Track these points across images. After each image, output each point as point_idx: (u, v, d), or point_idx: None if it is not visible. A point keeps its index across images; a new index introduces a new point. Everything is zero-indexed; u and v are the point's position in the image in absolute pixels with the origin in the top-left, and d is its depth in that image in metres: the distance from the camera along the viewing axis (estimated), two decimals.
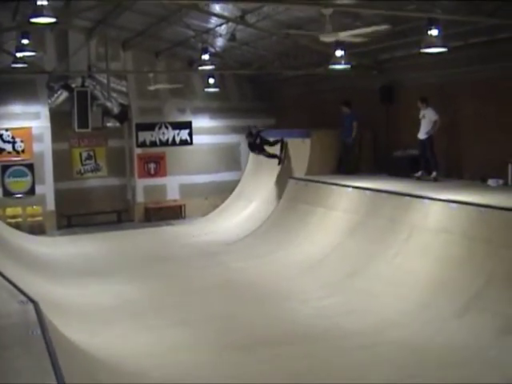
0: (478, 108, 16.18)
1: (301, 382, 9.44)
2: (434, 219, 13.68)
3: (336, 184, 17.69)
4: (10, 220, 21.90)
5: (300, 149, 20.57)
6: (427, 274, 12.61)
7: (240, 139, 25.44)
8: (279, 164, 20.33)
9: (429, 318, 11.42)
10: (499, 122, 15.49)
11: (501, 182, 15.24)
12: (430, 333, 10.89)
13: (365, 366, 9.99)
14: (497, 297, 10.99)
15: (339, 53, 15.83)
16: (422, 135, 16.81)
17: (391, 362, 10.08)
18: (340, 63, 16.19)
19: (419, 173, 17.04)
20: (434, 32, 12.95)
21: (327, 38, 14.15)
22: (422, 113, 16.83)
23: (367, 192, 16.29)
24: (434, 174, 16.68)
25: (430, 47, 13.50)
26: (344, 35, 13.86)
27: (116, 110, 24.18)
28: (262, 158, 22.90)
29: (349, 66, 16.55)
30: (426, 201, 14.18)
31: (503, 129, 15.34)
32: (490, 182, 15.36)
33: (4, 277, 9.87)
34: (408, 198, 14.79)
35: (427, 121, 16.67)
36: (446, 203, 13.62)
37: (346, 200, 16.95)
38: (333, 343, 11.00)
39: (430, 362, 9.89)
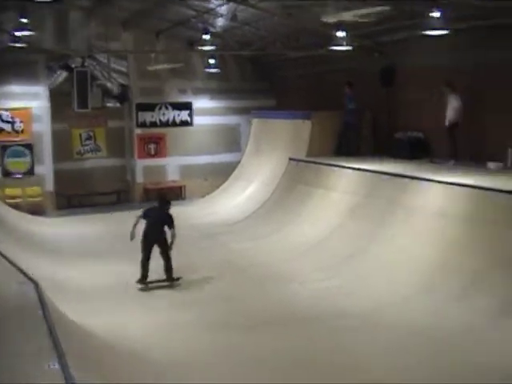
0: (478, 92, 16.12)
1: (298, 363, 9.48)
2: (433, 201, 13.67)
3: (336, 165, 17.68)
4: (9, 200, 21.85)
5: (300, 130, 20.53)
6: (426, 257, 12.63)
7: (240, 120, 25.46)
8: None
9: (427, 300, 11.45)
10: (498, 105, 15.44)
11: (501, 165, 15.20)
12: (428, 315, 10.92)
13: (361, 348, 10.05)
14: (495, 280, 11.01)
15: (341, 34, 15.81)
16: (446, 122, 16.31)
17: (388, 344, 10.13)
18: (341, 45, 16.17)
19: (452, 161, 16.22)
20: (436, 14, 12.92)
21: (329, 19, 14.10)
22: (448, 98, 16.26)
23: (367, 174, 16.28)
24: (452, 162, 16.17)
25: (431, 29, 13.47)
26: (346, 16, 13.80)
27: (116, 90, 24.10)
28: (261, 139, 22.94)
29: (350, 48, 16.51)
30: (426, 183, 14.18)
31: (502, 113, 15.30)
32: (490, 164, 15.32)
33: (4, 257, 9.88)
34: (408, 179, 14.78)
35: (451, 107, 16.18)
36: (445, 185, 13.61)
37: (345, 181, 16.95)
38: (330, 325, 11.07)
39: (428, 345, 9.92)
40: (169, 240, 13.46)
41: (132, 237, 13.38)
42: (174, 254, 13.54)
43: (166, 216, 13.59)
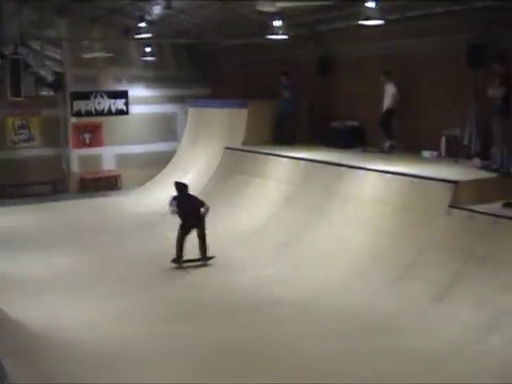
0: (412, 81, 16.37)
1: (226, 351, 9.54)
2: (368, 189, 13.89)
3: (272, 154, 17.77)
4: None
5: (236, 119, 20.55)
6: (361, 244, 12.83)
7: (176, 109, 25.34)
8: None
9: (363, 286, 11.65)
10: (432, 95, 15.71)
11: (435, 153, 15.47)
12: (363, 301, 11.12)
13: (298, 335, 10.16)
14: (428, 265, 11.25)
15: (277, 23, 15.85)
16: (383, 108, 16.54)
17: (324, 331, 10.27)
18: (278, 33, 16.22)
19: (387, 143, 16.57)
20: (372, 4, 13.10)
21: (265, 7, 14.12)
22: (385, 87, 16.52)
23: (302, 162, 16.40)
24: (387, 143, 16.51)
25: (367, 19, 13.64)
26: (281, 4, 13.85)
27: (50, 78, 23.66)
28: (198, 128, 22.92)
29: (286, 37, 16.56)
30: (361, 171, 14.37)
31: (436, 102, 15.57)
32: (425, 153, 15.59)
33: None
34: (343, 168, 14.95)
35: (388, 94, 16.43)
36: (380, 173, 13.81)
37: (281, 170, 17.05)
38: (268, 312, 11.15)
39: (363, 330, 10.10)
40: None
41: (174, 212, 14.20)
42: (108, 244, 13.48)
43: (194, 198, 14.56)
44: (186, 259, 14.08)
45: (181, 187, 14.84)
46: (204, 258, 14.26)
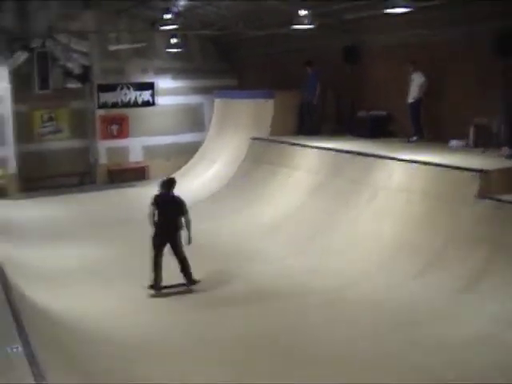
0: (439, 70, 16.26)
1: (264, 341, 9.58)
2: (395, 179, 13.83)
3: (299, 144, 17.74)
4: None
5: (263, 110, 20.56)
6: (389, 234, 12.79)
7: (203, 100, 25.40)
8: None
9: (389, 277, 11.62)
10: (460, 84, 15.60)
11: (462, 143, 15.38)
12: (391, 291, 11.09)
13: (325, 325, 10.16)
14: (456, 255, 11.21)
15: (303, 12, 15.78)
16: (409, 99, 16.50)
17: (350, 320, 10.27)
18: (303, 23, 16.15)
19: (414, 138, 16.52)
20: None
21: None
22: (411, 76, 16.46)
23: (330, 152, 16.36)
24: (414, 138, 16.44)
25: (394, 7, 13.53)
26: None
27: (77, 70, 23.88)
28: (224, 118, 22.94)
29: (312, 26, 16.49)
30: (388, 161, 14.32)
31: (464, 92, 15.46)
32: (452, 142, 15.49)
33: None
34: (370, 158, 14.91)
35: (415, 84, 16.35)
36: (407, 163, 13.76)
37: (308, 160, 17.02)
38: (295, 302, 11.17)
39: (391, 320, 10.08)
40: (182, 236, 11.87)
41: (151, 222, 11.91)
42: (136, 235, 13.39)
43: (178, 203, 11.83)
44: (166, 285, 11.84)
45: (166, 185, 12.25)
46: (188, 283, 11.96)
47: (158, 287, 11.72)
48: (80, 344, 9.00)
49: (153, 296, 11.65)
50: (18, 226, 17.62)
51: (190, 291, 11.84)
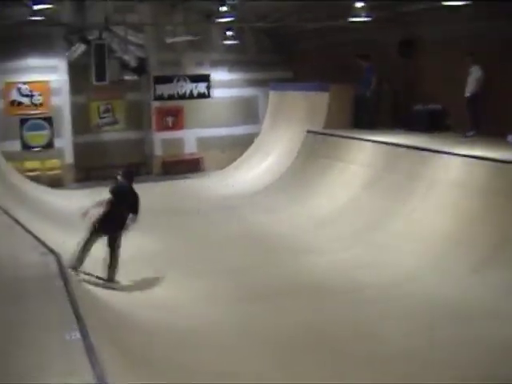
0: (498, 64, 15.99)
1: (316, 334, 9.56)
2: (451, 174, 13.67)
3: (354, 138, 17.64)
4: (28, 173, 21.99)
5: (318, 102, 20.48)
6: (444, 229, 12.64)
7: (258, 92, 25.42)
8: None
9: (445, 272, 11.49)
10: None
11: None
12: (445, 287, 10.97)
13: (378, 319, 10.10)
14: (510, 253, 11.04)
15: (359, 4, 15.67)
16: (467, 93, 16.21)
17: (405, 315, 10.18)
18: (360, 15, 16.03)
19: (471, 133, 16.21)
20: None
21: None
22: (470, 69, 16.15)
23: (385, 146, 16.24)
24: (471, 133, 16.15)
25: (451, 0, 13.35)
26: None
27: (134, 62, 24.10)
28: (279, 111, 22.91)
29: (369, 19, 16.36)
30: (444, 155, 14.15)
31: None
32: (510, 137, 15.21)
33: (25, 229, 9.98)
34: (426, 152, 14.75)
35: (472, 78, 16.08)
36: (463, 158, 13.58)
37: (364, 154, 16.92)
38: (348, 296, 11.13)
39: (444, 316, 9.98)
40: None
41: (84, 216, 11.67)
42: (191, 226, 13.44)
43: (133, 197, 11.80)
44: (89, 272, 11.53)
45: (126, 175, 12.17)
46: (108, 279, 11.62)
47: (75, 268, 11.30)
48: (135, 332, 9.10)
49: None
50: (73, 215, 17.83)
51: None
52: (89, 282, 11.18)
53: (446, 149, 14.36)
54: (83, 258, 11.45)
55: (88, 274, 11.49)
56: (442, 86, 17.60)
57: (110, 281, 11.61)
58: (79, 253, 11.42)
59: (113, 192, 11.80)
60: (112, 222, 11.58)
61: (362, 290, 11.33)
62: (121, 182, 12.12)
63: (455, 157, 13.83)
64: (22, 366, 5.00)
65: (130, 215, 11.69)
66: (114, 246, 11.65)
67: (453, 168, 13.70)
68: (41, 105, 22.68)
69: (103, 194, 20.49)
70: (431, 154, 14.53)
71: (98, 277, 11.57)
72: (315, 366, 8.52)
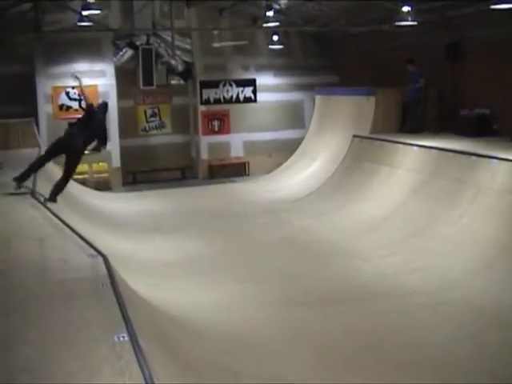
0: None
1: (361, 339, 9.52)
2: (500, 180, 13.48)
3: (401, 142, 17.53)
4: (76, 176, 22.16)
5: (364, 107, 20.42)
6: (492, 235, 12.47)
7: (304, 97, 25.43)
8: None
9: (492, 278, 11.33)
10: None
11: None
12: (493, 293, 10.82)
13: (426, 325, 10.03)
14: None
15: (406, 8, 15.60)
16: None
17: (452, 322, 10.08)
18: (406, 19, 15.95)
19: None
20: None
21: None
22: None
23: (432, 151, 16.11)
24: None
25: (499, 3, 13.21)
26: None
27: (180, 67, 24.35)
28: (325, 115, 22.90)
29: (415, 23, 16.28)
30: (493, 161, 13.97)
31: None
32: None
33: (74, 231, 10.10)
34: (474, 157, 14.58)
35: None
36: None
37: (411, 159, 16.81)
38: (395, 302, 11.04)
39: (492, 323, 9.86)
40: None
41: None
42: (236, 230, 13.50)
43: (103, 124, 12.55)
44: (28, 186, 11.87)
45: (101, 106, 13.33)
46: (49, 198, 11.81)
47: (20, 182, 11.61)
48: (178, 335, 9.16)
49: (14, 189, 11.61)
50: (120, 218, 18.06)
51: None
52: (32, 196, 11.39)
53: (493, 153, 14.19)
54: (28, 175, 11.79)
55: (33, 192, 11.69)
56: (489, 90, 17.44)
57: (51, 200, 11.78)
58: (28, 169, 11.76)
59: (97, 105, 12.89)
60: (70, 141, 11.93)
61: (408, 295, 11.24)
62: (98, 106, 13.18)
63: (504, 162, 13.66)
64: (70, 366, 5.08)
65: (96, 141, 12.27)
66: (70, 169, 12.08)
67: (502, 173, 13.53)
68: None
69: (150, 197, 20.88)
70: (479, 158, 14.37)
71: (40, 194, 11.76)
72: (359, 372, 8.48)
